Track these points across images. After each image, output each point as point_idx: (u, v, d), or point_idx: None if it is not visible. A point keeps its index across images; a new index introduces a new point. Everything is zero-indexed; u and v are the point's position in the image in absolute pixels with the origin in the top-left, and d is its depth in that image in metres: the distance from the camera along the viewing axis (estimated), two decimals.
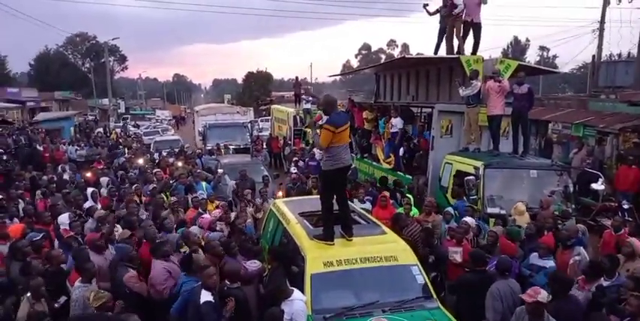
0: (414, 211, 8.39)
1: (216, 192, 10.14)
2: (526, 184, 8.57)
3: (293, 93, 24.93)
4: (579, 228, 6.83)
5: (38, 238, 6.43)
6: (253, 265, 5.45)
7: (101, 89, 50.77)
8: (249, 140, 18.68)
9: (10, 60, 57.40)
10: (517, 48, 68.89)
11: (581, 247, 6.27)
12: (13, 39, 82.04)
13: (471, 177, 8.42)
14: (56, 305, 5.43)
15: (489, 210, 8.13)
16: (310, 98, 18.95)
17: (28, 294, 5.13)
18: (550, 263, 5.97)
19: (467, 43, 10.94)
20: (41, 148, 18.41)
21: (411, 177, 10.82)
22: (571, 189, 8.56)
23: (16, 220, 8.19)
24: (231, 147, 17.78)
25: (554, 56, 65.30)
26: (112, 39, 51.67)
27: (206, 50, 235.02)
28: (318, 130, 5.48)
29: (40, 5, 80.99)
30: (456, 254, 6.29)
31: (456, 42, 10.94)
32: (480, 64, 10.22)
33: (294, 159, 14.40)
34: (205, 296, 4.70)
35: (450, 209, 8.10)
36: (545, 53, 64.21)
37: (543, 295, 4.28)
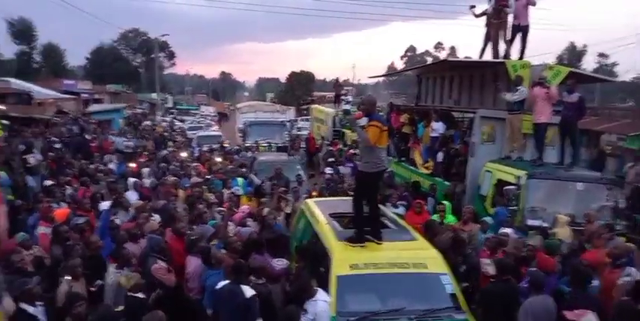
0: (450, 219, 8.19)
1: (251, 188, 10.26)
2: (571, 197, 8.18)
3: (334, 93, 24.97)
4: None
5: (80, 222, 6.69)
6: (280, 263, 5.46)
7: (150, 84, 52.58)
8: (288, 139, 18.82)
9: (68, 53, 60.35)
10: (573, 54, 65.95)
11: (632, 268, 5.88)
12: (72, 33, 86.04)
13: (512, 187, 8.15)
14: (92, 289, 5.66)
15: (529, 222, 7.81)
16: (350, 99, 18.91)
17: (67, 276, 5.37)
18: (594, 282, 5.65)
19: (514, 47, 10.57)
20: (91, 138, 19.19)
21: (448, 183, 10.58)
22: (622, 204, 8.10)
23: (63, 204, 8.58)
24: (268, 145, 17.97)
25: (614, 64, 61.95)
26: (162, 35, 53.48)
27: (252, 49, 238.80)
28: (359, 128, 5.39)
29: (98, 1, 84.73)
30: (489, 266, 6.06)
31: (502, 46, 10.59)
32: (527, 69, 9.85)
33: (330, 160, 14.38)
34: (249, 291, 4.74)
35: (487, 219, 7.84)
36: (603, 60, 61.14)
37: (589, 319, 4.04)
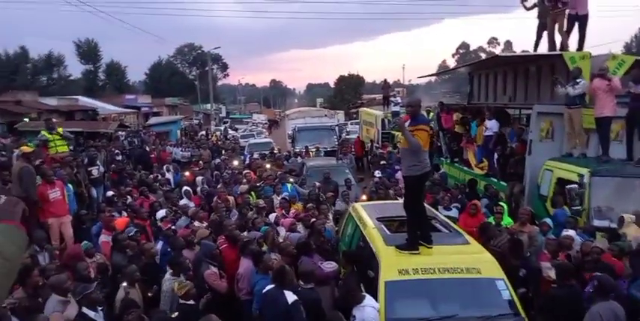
0: (508, 221, 7.81)
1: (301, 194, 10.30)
2: None
3: (382, 95, 24.73)
4: None
5: (132, 233, 6.98)
6: (329, 265, 5.40)
7: (205, 95, 54.50)
8: (336, 143, 18.79)
9: (129, 70, 64.03)
10: None
11: None
12: (133, 51, 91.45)
13: (575, 185, 7.67)
14: (149, 294, 5.86)
15: (596, 223, 7.31)
16: (399, 100, 18.63)
17: (124, 283, 5.59)
18: None
19: (571, 38, 9.97)
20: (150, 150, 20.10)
21: (505, 184, 10.11)
22: None
23: (124, 213, 8.99)
24: (317, 150, 18.02)
25: None
26: (215, 48, 55.38)
27: (301, 56, 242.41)
28: (407, 133, 5.24)
29: (156, 20, 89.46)
30: (550, 270, 5.70)
31: (558, 37, 10.02)
32: (587, 60, 9.25)
33: (382, 162, 14.19)
34: (291, 296, 4.74)
35: (547, 220, 7.41)
36: None
37: None
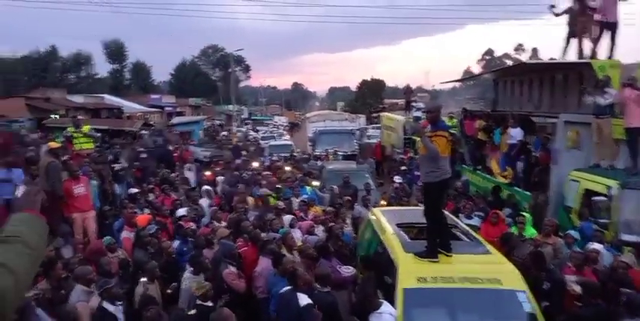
0: (531, 232, 7.64)
1: (319, 197, 10.28)
2: None
3: (404, 100, 24.58)
4: None
5: (152, 231, 7.06)
6: (347, 270, 5.37)
7: (228, 96, 55.11)
8: (357, 147, 18.73)
9: (155, 70, 65.20)
10: None
11: None
12: (158, 52, 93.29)
13: (602, 197, 7.46)
14: (168, 291, 5.93)
15: (625, 237, 7.09)
16: (421, 105, 18.48)
17: (143, 278, 5.67)
18: None
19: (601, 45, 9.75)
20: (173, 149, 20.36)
21: (529, 193, 9.91)
22: None
23: (146, 210, 9.11)
24: (339, 153, 17.99)
25: None
26: (238, 50, 55.99)
27: (323, 59, 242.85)
28: (426, 139, 5.19)
29: (181, 22, 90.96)
30: (575, 284, 5.54)
31: (587, 45, 9.81)
32: (617, 69, 9.02)
33: (403, 168, 14.08)
34: (304, 299, 4.73)
35: (572, 232, 7.22)
36: None
37: None
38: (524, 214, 8.17)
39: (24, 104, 28.98)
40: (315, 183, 11.34)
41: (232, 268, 5.98)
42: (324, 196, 10.43)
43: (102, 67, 59.61)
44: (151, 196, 10.36)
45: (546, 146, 10.06)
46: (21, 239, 1.50)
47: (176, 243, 7.11)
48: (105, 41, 58.31)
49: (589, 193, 7.98)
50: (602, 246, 6.44)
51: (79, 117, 12.73)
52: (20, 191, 1.80)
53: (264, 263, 5.89)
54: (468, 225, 7.00)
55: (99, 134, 13.90)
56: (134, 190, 10.47)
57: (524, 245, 6.54)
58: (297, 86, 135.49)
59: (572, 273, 5.84)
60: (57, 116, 27.80)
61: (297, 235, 7.16)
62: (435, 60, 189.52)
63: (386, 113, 27.17)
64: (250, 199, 9.67)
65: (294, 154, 18.73)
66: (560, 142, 9.22)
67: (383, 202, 9.99)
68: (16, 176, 9.37)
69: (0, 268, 1.39)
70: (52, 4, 64.43)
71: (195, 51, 71.86)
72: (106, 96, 41.43)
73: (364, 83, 65.26)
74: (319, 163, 15.55)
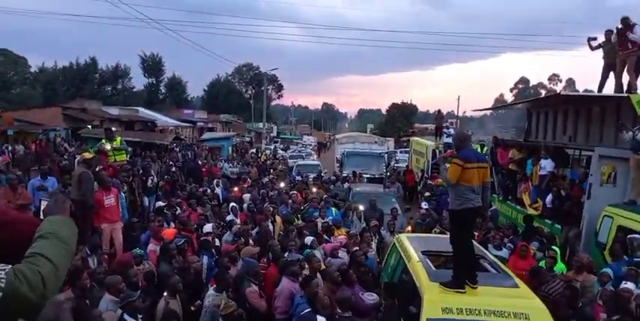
0: (560, 267, 7.41)
1: (345, 220, 10.23)
2: None
3: (435, 125, 24.46)
4: None
5: (181, 243, 7.13)
6: (370, 297, 5.30)
7: (258, 114, 56.04)
8: (385, 170, 18.65)
9: (189, 86, 66.95)
10: None
11: None
12: (194, 68, 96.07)
13: (637, 235, 7.19)
14: (192, 308, 5.92)
15: None
16: (452, 132, 18.34)
17: (165, 293, 5.70)
18: None
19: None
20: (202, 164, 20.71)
21: (559, 227, 9.64)
22: None
23: (172, 224, 9.23)
24: (365, 176, 17.93)
25: None
26: (272, 69, 57.17)
27: (356, 81, 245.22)
28: (447, 165, 5.21)
29: (218, 40, 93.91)
30: None
31: (626, 79, 9.65)
32: None
33: (427, 194, 13.92)
34: None
35: (608, 270, 6.94)
36: None
37: None
38: (554, 248, 7.94)
39: (60, 114, 29.87)
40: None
41: (255, 287, 5.98)
42: (355, 219, 10.34)
43: (138, 81, 61.70)
44: (178, 210, 10.53)
45: (577, 179, 9.82)
46: (57, 235, 1.67)
47: (205, 258, 7.12)
48: (143, 55, 60.38)
49: (623, 230, 7.72)
50: (635, 286, 6.17)
51: (113, 129, 13.01)
52: (44, 204, 1.98)
53: (285, 283, 5.87)
54: (496, 256, 6.84)
55: (130, 148, 14.21)
56: (162, 204, 10.64)
57: (554, 281, 6.33)
58: (327, 106, 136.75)
59: (602, 311, 5.61)
60: (91, 127, 28.69)
61: (317, 256, 7.11)
62: (468, 87, 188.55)
63: (416, 138, 27.09)
64: (278, 219, 9.68)
65: (322, 174, 18.76)
66: (595, 176, 9.00)
67: (409, 228, 9.87)
68: (51, 184, 9.70)
69: (42, 258, 1.56)
70: (98, 18, 67.53)
71: (230, 68, 73.65)
72: (141, 109, 42.59)
73: (395, 106, 65.32)
74: (346, 185, 15.51)
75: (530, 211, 10.86)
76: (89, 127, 28.42)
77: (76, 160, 13.15)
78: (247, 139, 52.06)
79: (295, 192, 12.47)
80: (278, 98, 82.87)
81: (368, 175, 18.09)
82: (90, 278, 5.62)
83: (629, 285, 6.09)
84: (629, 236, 7.33)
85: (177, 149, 25.95)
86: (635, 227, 7.49)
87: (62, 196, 1.94)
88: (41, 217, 1.86)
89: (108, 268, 6.53)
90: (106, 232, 8.23)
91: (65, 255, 1.65)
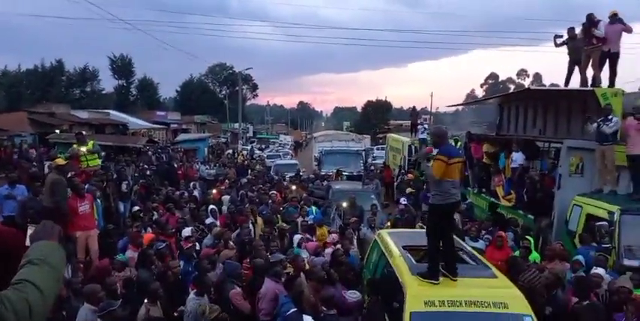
0: (534, 256, 7.66)
1: (325, 218, 10.30)
2: None
3: (410, 122, 24.78)
4: None
5: (162, 246, 7.04)
6: (353, 295, 5.38)
7: (234, 114, 55.49)
8: (362, 168, 18.80)
9: (161, 87, 65.79)
10: None
11: None
12: (165, 69, 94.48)
13: (604, 222, 7.50)
14: (175, 314, 5.87)
15: (626, 262, 7.11)
16: (426, 127, 18.63)
17: (146, 300, 5.63)
18: None
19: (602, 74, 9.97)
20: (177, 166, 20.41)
21: (532, 217, 9.95)
22: None
23: (149, 229, 9.11)
24: (344, 173, 18.04)
25: None
26: (246, 69, 56.71)
27: (330, 79, 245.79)
28: (429, 163, 5.34)
29: (190, 39, 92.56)
30: None
31: (590, 73, 10.01)
32: (620, 98, 9.19)
33: (408, 190, 14.11)
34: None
35: (580, 258, 7.22)
36: None
37: None
38: (528, 238, 8.21)
39: (26, 118, 28.68)
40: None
41: (238, 289, 5.99)
42: (335, 217, 10.43)
43: (108, 83, 60.26)
44: (155, 215, 10.38)
45: (549, 171, 10.15)
46: (46, 261, 1.68)
47: (181, 263, 7.07)
48: (112, 56, 58.94)
49: (592, 218, 8.03)
50: (604, 271, 6.45)
51: (84, 133, 12.69)
52: (31, 230, 1.99)
53: (268, 285, 5.88)
54: (473, 248, 7.04)
55: (104, 153, 13.88)
56: (137, 208, 10.47)
57: (529, 270, 6.55)
58: (303, 105, 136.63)
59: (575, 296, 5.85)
60: (60, 131, 27.82)
61: (303, 255, 7.18)
62: (440, 83, 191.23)
63: (392, 134, 27.33)
64: (259, 220, 9.67)
65: (300, 173, 18.79)
66: (564, 167, 9.31)
67: (388, 224, 10.02)
68: (20, 192, 9.41)
69: (30, 285, 1.57)
70: (64, 19, 65.61)
71: (203, 68, 72.78)
72: (111, 112, 41.66)
73: (370, 104, 65.79)
74: (324, 183, 15.58)
75: (504, 203, 11.16)
76: (57, 131, 27.59)
77: (46, 167, 12.83)
78: (223, 139, 51.54)
79: (275, 192, 12.47)
80: (253, 98, 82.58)
81: (346, 173, 18.19)
82: (66, 288, 5.49)
83: (599, 270, 6.37)
84: (597, 224, 7.63)
85: (151, 152, 25.53)
86: (602, 215, 7.79)
87: (50, 222, 1.91)
88: (27, 243, 1.84)
89: (84, 277, 6.42)
90: (80, 239, 8.02)
91: (54, 282, 1.66)
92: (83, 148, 10.40)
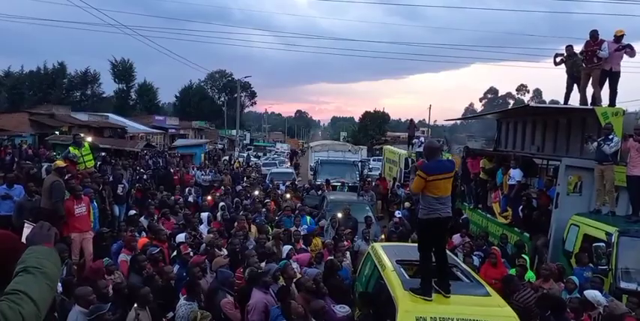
0: (530, 275, 7.58)
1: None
2: None
3: (407, 134, 24.82)
4: None
5: (155, 251, 6.97)
6: (342, 309, 5.29)
7: (231, 121, 55.57)
8: (358, 179, 18.74)
9: (161, 92, 65.95)
10: None
11: None
12: (166, 75, 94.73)
13: (602, 243, 7.44)
14: (164, 319, 5.79)
15: (623, 285, 7.03)
16: (423, 140, 18.61)
17: (135, 304, 5.55)
18: None
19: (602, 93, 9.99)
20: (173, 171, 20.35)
21: (528, 235, 9.88)
22: None
23: (144, 234, 9.02)
24: (338, 184, 17.98)
25: None
26: (245, 77, 56.97)
27: (329, 89, 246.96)
28: (411, 177, 5.30)
29: (191, 46, 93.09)
30: None
31: (590, 92, 10.03)
32: (620, 117, 9.18)
33: (407, 204, 14.01)
34: None
35: (574, 278, 7.15)
36: None
37: None
38: (524, 256, 8.13)
39: (27, 119, 29.05)
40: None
41: (230, 298, 5.90)
42: (329, 228, 10.32)
43: (108, 86, 60.46)
44: (148, 221, 10.26)
45: (547, 189, 10.10)
46: (42, 270, 1.65)
47: (176, 268, 7.00)
48: (113, 60, 59.21)
49: (589, 239, 7.96)
50: (599, 293, 6.37)
51: (82, 135, 12.63)
52: (28, 229, 1.93)
53: (257, 295, 5.79)
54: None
55: (103, 153, 13.88)
56: (133, 212, 10.41)
57: (525, 289, 6.48)
58: (300, 114, 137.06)
59: (570, 318, 5.76)
60: (59, 133, 27.85)
61: (294, 265, 7.08)
62: (439, 96, 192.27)
63: (389, 146, 27.35)
64: (253, 228, 9.59)
65: (296, 182, 18.71)
66: (562, 186, 9.26)
67: (382, 237, 9.94)
68: (17, 193, 9.36)
69: (25, 297, 1.55)
70: (70, 23, 65.95)
71: (202, 75, 73.10)
72: (110, 115, 41.77)
73: (367, 115, 65.94)
74: (319, 192, 15.50)
75: (500, 220, 11.10)
76: (57, 133, 27.62)
77: (44, 169, 12.77)
78: (220, 146, 51.52)
79: (269, 201, 12.38)
80: (251, 105, 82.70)
81: (338, 183, 18.13)
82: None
83: (594, 292, 6.29)
84: (594, 244, 7.57)
85: (148, 156, 25.48)
86: (599, 236, 7.73)
87: (47, 224, 1.88)
88: (23, 240, 1.80)
89: (77, 279, 6.35)
90: (75, 241, 8.06)
91: (49, 293, 1.65)
92: (77, 153, 10.38)
